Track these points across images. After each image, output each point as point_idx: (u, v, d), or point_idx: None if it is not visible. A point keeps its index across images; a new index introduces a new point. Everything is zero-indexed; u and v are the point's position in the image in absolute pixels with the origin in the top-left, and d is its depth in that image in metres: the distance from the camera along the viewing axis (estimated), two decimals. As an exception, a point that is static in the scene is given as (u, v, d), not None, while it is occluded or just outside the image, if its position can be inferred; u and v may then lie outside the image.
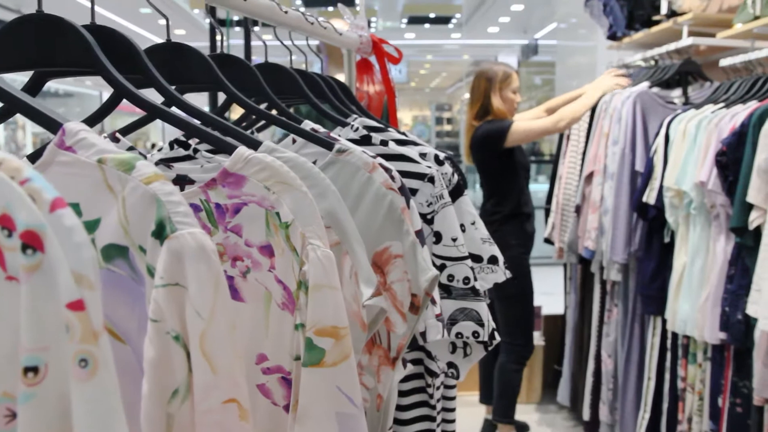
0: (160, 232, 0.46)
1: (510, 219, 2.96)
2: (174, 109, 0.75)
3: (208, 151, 0.91)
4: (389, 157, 0.90)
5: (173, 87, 0.79)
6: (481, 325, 0.95)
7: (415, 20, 13.17)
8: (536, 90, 14.67)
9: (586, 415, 3.11)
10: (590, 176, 3.03)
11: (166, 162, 0.81)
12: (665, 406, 2.60)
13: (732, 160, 2.05)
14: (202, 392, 0.46)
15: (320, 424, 0.60)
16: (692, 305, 2.31)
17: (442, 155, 1.04)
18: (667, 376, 2.59)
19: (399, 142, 0.99)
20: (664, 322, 2.54)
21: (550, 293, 4.09)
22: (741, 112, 2.14)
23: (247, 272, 0.61)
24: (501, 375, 3.04)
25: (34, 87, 0.73)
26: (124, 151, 0.50)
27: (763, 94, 2.22)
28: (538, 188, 5.39)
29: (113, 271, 0.46)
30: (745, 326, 2.05)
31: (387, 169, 0.81)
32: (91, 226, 0.48)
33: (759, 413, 2.05)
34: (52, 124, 0.51)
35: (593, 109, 3.03)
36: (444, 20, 13.38)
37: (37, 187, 0.36)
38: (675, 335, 2.53)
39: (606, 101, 2.97)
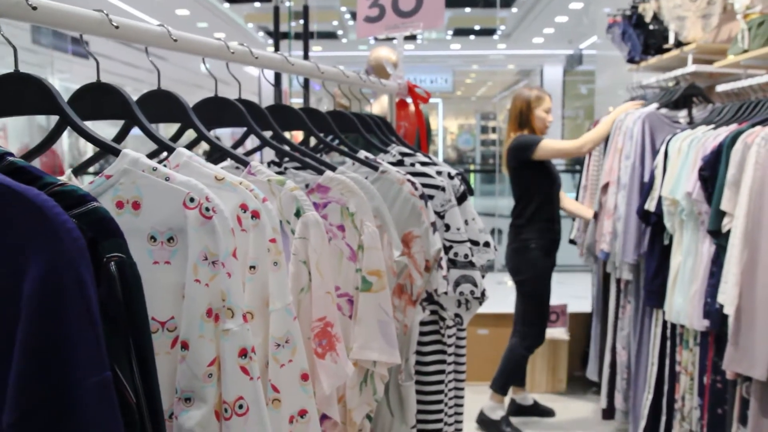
0: (298, 213, 0.97)
1: (531, 223, 3.40)
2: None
3: (294, 168, 1.43)
4: (415, 174, 1.40)
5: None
6: (476, 286, 1.44)
7: (461, 32, 13.58)
8: (582, 99, 14.81)
9: (603, 402, 3.49)
10: (606, 186, 3.42)
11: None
12: (666, 387, 2.97)
13: (711, 175, 2.45)
14: (316, 288, 0.96)
15: (369, 326, 1.10)
16: (684, 298, 2.68)
17: (453, 172, 1.54)
18: (667, 361, 2.96)
19: (423, 164, 1.50)
20: (664, 314, 2.92)
21: (579, 296, 4.48)
22: (722, 133, 2.53)
23: (330, 240, 1.11)
24: (509, 353, 3.48)
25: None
26: (276, 174, 1.02)
27: (745, 118, 2.61)
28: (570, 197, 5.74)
29: (276, 231, 0.98)
30: (722, 314, 2.43)
31: (412, 183, 1.31)
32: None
33: (733, 387, 2.43)
34: (243, 162, 1.02)
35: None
36: (489, 32, 13.72)
37: (257, 192, 0.87)
38: (673, 325, 2.90)
39: (620, 120, 3.37)
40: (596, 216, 3.51)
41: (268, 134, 1.27)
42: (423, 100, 2.00)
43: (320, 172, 1.14)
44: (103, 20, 0.90)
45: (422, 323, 1.44)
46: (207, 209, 0.77)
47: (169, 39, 1.01)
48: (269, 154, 1.33)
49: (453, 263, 1.44)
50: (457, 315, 1.48)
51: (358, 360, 1.10)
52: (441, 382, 1.51)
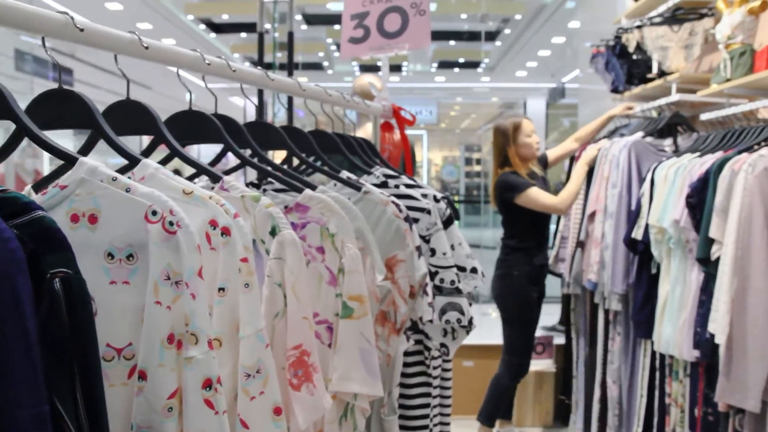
0: (273, 232, 0.90)
1: (516, 251, 3.36)
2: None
3: (274, 190, 1.37)
4: (399, 196, 1.33)
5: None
6: (463, 314, 1.37)
7: (445, 64, 13.75)
8: (564, 132, 14.99)
9: (595, 440, 3.41)
10: (593, 215, 3.39)
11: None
12: (655, 420, 2.91)
13: (698, 202, 2.42)
14: (292, 312, 0.89)
15: (350, 355, 1.03)
16: (673, 328, 2.64)
17: (439, 195, 1.48)
18: (657, 393, 2.91)
19: (408, 186, 1.43)
20: (653, 344, 2.86)
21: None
22: (709, 161, 2.51)
23: (308, 263, 1.04)
24: (495, 384, 3.42)
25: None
26: (250, 190, 0.95)
27: (730, 145, 2.60)
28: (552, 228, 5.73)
29: (249, 251, 0.91)
30: (712, 344, 2.38)
31: (396, 204, 1.25)
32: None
33: (725, 419, 2.37)
34: (215, 177, 0.95)
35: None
36: (473, 65, 13.91)
37: (228, 207, 0.80)
38: (662, 356, 2.84)
39: (606, 148, 3.36)
40: (583, 245, 3.47)
41: (247, 153, 1.20)
42: (408, 123, 1.96)
43: (299, 191, 1.07)
44: (67, 23, 0.84)
45: (406, 353, 1.36)
46: (171, 223, 0.70)
47: (139, 46, 0.95)
48: (250, 176, 1.27)
49: (439, 290, 1.37)
50: (443, 345, 1.41)
51: (337, 392, 1.02)
52: (426, 416, 1.43)
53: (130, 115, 0.98)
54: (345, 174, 1.33)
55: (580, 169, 3.38)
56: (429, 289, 1.27)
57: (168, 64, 1.02)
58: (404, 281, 1.22)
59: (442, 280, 1.38)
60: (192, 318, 0.70)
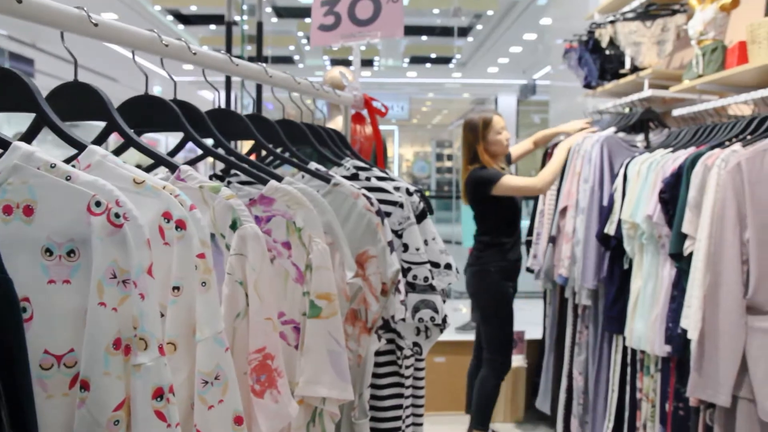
0: (234, 226, 0.83)
1: (490, 247, 3.33)
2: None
3: (239, 182, 1.29)
4: (371, 189, 1.27)
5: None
6: (437, 312, 1.31)
7: (417, 60, 13.72)
8: (535, 128, 15.10)
9: (559, 429, 3.42)
10: (564, 210, 3.38)
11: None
12: (626, 414, 2.91)
13: (671, 197, 2.41)
14: (254, 313, 0.82)
15: (318, 357, 0.96)
16: (645, 323, 2.63)
17: (412, 188, 1.41)
18: (628, 388, 2.91)
19: (379, 178, 1.37)
20: (624, 339, 2.86)
21: (537, 323, 4.40)
22: (681, 156, 2.51)
23: (273, 259, 0.97)
24: (481, 386, 3.38)
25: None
26: (213, 181, 0.88)
27: (702, 141, 2.60)
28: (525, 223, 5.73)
29: (208, 246, 0.83)
30: (684, 339, 2.37)
31: (368, 197, 1.18)
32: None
33: (696, 414, 2.37)
34: (171, 166, 0.88)
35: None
36: (445, 60, 13.91)
37: (183, 198, 0.73)
38: (633, 351, 2.84)
39: (578, 143, 3.35)
40: (554, 240, 3.46)
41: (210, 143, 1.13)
42: (380, 114, 1.89)
43: (265, 183, 1.00)
44: (4, -5, 0.75)
45: (378, 353, 1.31)
46: (117, 215, 0.63)
47: (88, 24, 0.87)
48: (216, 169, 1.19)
49: (412, 287, 1.32)
50: (415, 344, 1.35)
51: (304, 397, 0.96)
52: (398, 418, 1.37)
53: (79, 99, 0.90)
54: (314, 165, 1.26)
55: (562, 152, 3.34)
56: (402, 287, 1.22)
57: (121, 44, 0.94)
58: (376, 278, 1.16)
59: (415, 277, 1.32)
60: (141, 320, 0.63)
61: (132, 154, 1.01)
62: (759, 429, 2.12)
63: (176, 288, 0.71)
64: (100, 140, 1.00)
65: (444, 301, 1.39)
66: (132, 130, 0.93)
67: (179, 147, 1.17)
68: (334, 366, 0.97)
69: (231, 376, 0.73)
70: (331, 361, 0.96)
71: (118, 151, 1.01)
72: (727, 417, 2.19)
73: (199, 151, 1.10)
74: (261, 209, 0.97)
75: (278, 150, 1.40)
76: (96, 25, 0.87)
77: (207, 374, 0.72)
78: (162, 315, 0.70)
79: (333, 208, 1.08)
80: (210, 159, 1.21)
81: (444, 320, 1.32)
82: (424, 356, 1.39)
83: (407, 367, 1.44)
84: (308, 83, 1.49)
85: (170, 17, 10.07)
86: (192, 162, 1.25)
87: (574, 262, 3.19)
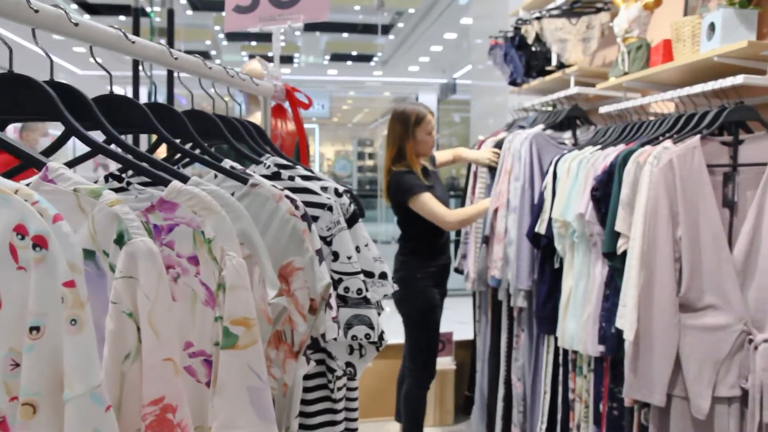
0: (120, 240, 0.64)
1: (415, 253, 3.20)
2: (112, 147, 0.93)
3: (140, 183, 1.09)
4: (295, 190, 1.10)
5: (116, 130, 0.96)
6: (372, 328, 1.16)
7: (338, 57, 13.56)
8: (455, 126, 15.30)
9: (499, 440, 3.34)
10: (496, 210, 3.32)
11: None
12: (559, 416, 2.87)
13: (603, 195, 2.37)
14: (149, 353, 0.64)
15: (234, 395, 0.79)
16: (577, 323, 2.59)
17: (341, 189, 1.25)
18: (560, 389, 2.87)
19: (304, 178, 1.20)
20: (556, 340, 2.81)
21: (465, 322, 4.34)
22: (611, 154, 2.48)
23: (177, 277, 0.79)
24: (406, 398, 3.25)
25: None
26: (103, 181, 0.68)
27: (631, 138, 2.58)
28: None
29: (84, 268, 0.64)
30: (618, 339, 2.34)
31: (292, 200, 1.01)
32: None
33: (630, 414, 2.34)
34: (37, 163, 0.68)
35: (500, 147, 3.34)
36: (366, 58, 13.83)
37: (44, 207, 0.54)
38: (565, 351, 2.80)
39: (509, 140, 3.28)
40: (487, 241, 3.38)
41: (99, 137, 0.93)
42: (303, 106, 1.72)
43: (166, 184, 0.82)
44: None
45: (306, 377, 1.14)
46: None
47: None
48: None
49: (343, 300, 1.16)
50: (348, 364, 1.19)
51: (219, 444, 0.78)
52: (330, 447, 1.21)
53: None
54: (228, 163, 1.08)
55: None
56: (333, 301, 1.06)
57: (19, 21, 0.73)
58: (303, 293, 0.99)
59: (347, 289, 1.16)
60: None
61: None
62: (692, 427, 2.10)
63: (35, 329, 0.53)
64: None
65: (379, 314, 1.24)
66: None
67: (61, 141, 0.96)
68: (254, 405, 0.79)
69: (115, 440, 0.55)
70: (250, 399, 0.79)
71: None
72: (662, 416, 2.17)
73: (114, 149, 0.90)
74: (161, 217, 0.79)
75: (187, 146, 1.21)
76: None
77: (81, 442, 0.54)
78: (15, 365, 0.51)
79: (251, 213, 0.91)
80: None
81: (381, 337, 1.17)
82: (358, 377, 1.23)
83: (339, 389, 1.28)
84: (221, 68, 1.30)
85: (74, 5, 9.43)
86: (78, 161, 1.04)
87: (507, 264, 3.12)
